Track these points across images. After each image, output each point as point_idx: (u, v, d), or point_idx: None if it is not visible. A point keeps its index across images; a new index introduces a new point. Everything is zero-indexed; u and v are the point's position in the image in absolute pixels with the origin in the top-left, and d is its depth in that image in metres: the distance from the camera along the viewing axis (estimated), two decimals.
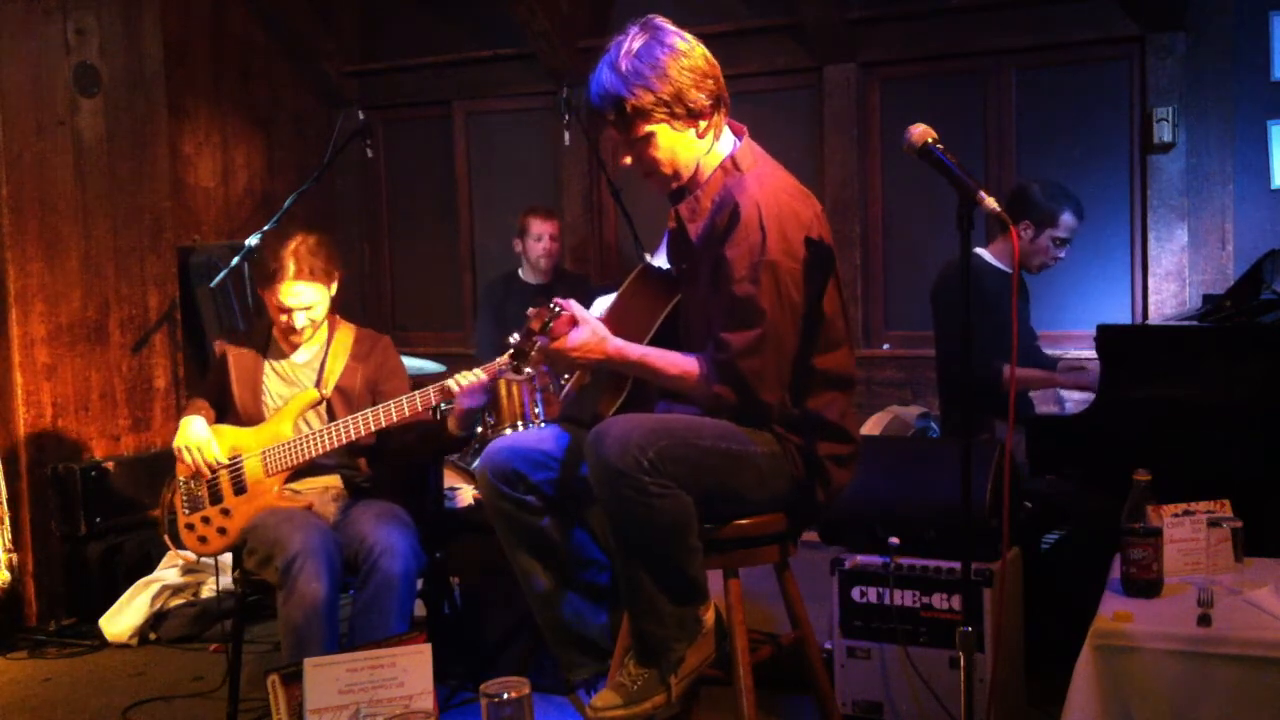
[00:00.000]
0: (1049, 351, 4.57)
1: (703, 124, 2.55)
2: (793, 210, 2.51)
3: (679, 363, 2.55)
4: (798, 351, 2.53)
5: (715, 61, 2.56)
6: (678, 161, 2.58)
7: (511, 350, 2.57)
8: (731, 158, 2.59)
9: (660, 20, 2.56)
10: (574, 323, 2.57)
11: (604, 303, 2.88)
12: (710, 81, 2.53)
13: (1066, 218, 4.03)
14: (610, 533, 2.51)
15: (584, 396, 2.76)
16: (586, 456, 2.46)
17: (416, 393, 3.31)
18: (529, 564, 2.71)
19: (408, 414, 3.31)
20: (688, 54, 2.50)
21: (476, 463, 4.41)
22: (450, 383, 3.29)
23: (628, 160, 2.63)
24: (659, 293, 2.72)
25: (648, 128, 2.53)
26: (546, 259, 5.42)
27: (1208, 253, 5.07)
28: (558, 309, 2.55)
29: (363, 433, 3.33)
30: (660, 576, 2.48)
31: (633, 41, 2.52)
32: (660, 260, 2.83)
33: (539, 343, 2.58)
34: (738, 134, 2.65)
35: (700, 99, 2.51)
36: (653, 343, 2.64)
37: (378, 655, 2.54)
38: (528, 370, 3.00)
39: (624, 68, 2.50)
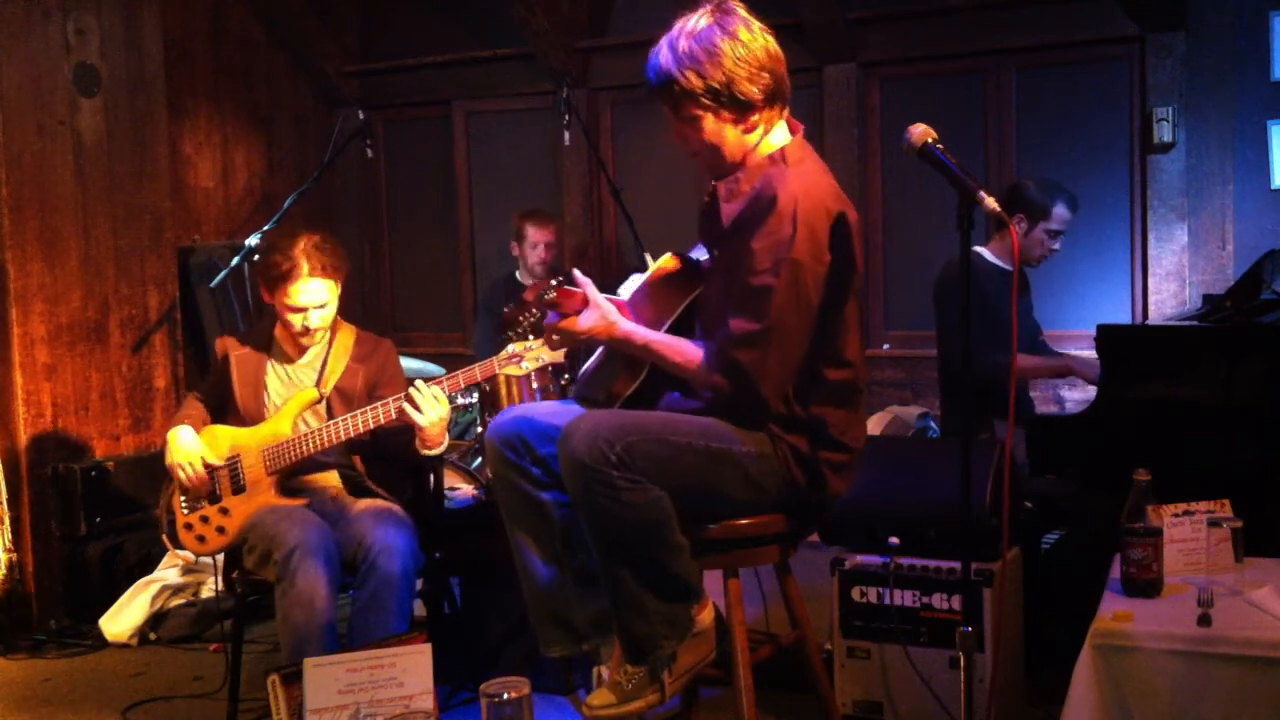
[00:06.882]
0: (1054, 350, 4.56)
1: (752, 118, 2.51)
2: (828, 214, 2.48)
3: (684, 350, 2.54)
4: (806, 356, 2.51)
5: (780, 55, 2.52)
6: (722, 150, 2.55)
7: (503, 320, 2.58)
8: (781, 150, 2.56)
9: (733, 4, 2.51)
10: (585, 303, 2.57)
11: (634, 282, 2.86)
12: (765, 75, 2.48)
13: (1059, 210, 4.04)
14: (586, 530, 2.50)
15: (600, 374, 2.75)
16: (559, 452, 2.46)
17: (403, 394, 3.29)
18: (524, 536, 2.69)
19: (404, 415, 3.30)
20: (748, 44, 2.46)
21: (477, 463, 4.42)
22: (406, 406, 3.22)
23: (677, 139, 2.60)
24: (683, 282, 2.71)
25: (694, 111, 2.50)
26: (541, 266, 5.42)
27: (1208, 253, 5.07)
28: (556, 283, 2.55)
29: (361, 430, 3.32)
30: (642, 573, 2.47)
31: (697, 21, 2.48)
32: (695, 252, 2.81)
33: (548, 319, 2.57)
34: (793, 131, 2.63)
35: (752, 91, 2.47)
36: (670, 330, 2.63)
37: (378, 655, 2.54)
38: (522, 359, 3.00)
39: (681, 47, 2.47)
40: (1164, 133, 5.04)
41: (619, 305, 2.62)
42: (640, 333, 2.57)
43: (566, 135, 5.87)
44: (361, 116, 6.44)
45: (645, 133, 6.20)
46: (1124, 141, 5.24)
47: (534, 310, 2.63)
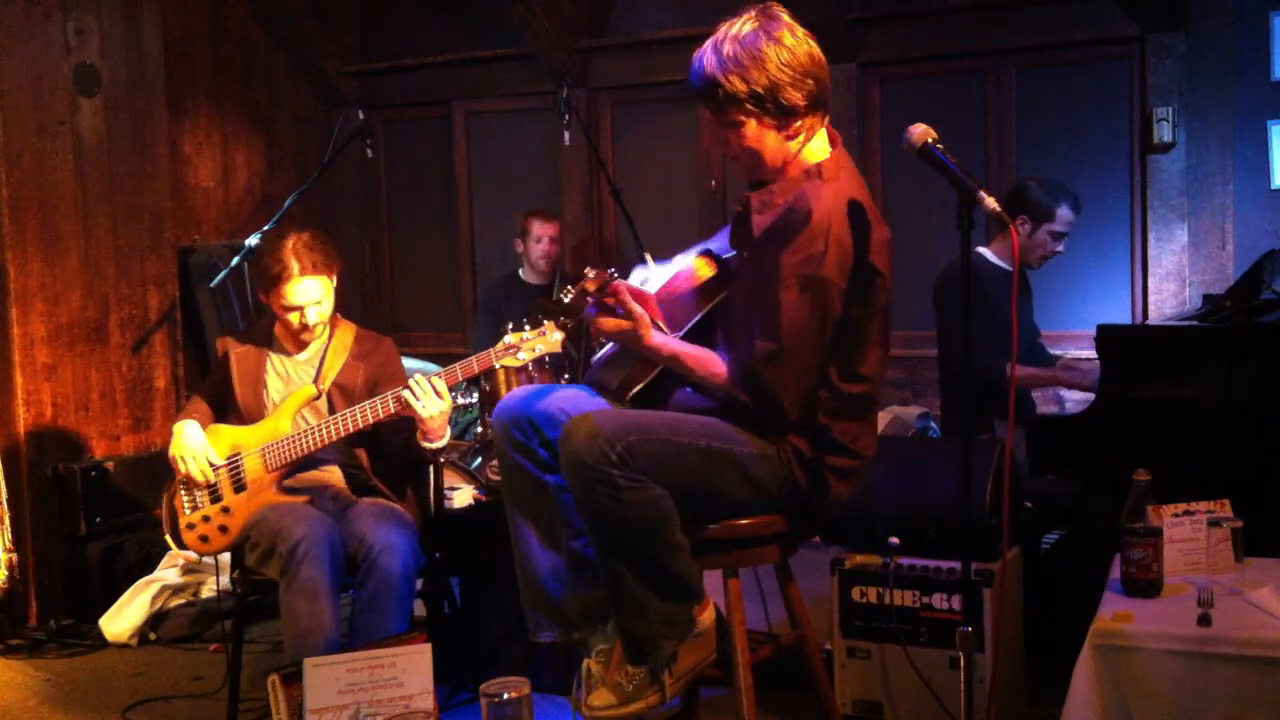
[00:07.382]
0: (1050, 351, 4.57)
1: (795, 124, 2.50)
2: (858, 232, 2.47)
3: (707, 365, 2.53)
4: (826, 368, 2.50)
5: (823, 61, 2.51)
6: (762, 156, 2.54)
7: (564, 305, 2.55)
8: (819, 164, 2.54)
9: (777, 9, 2.51)
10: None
11: (640, 273, 2.85)
12: (810, 81, 2.47)
13: (1063, 211, 4.04)
14: (588, 529, 2.50)
15: (617, 360, 2.73)
16: (560, 452, 2.46)
17: (403, 386, 3.29)
18: (524, 517, 2.69)
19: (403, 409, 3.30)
20: (793, 50, 2.45)
21: (477, 463, 4.42)
22: (407, 395, 3.24)
23: (716, 142, 2.61)
24: (715, 286, 2.69)
25: (737, 116, 2.50)
26: (546, 261, 5.56)
27: (1208, 253, 5.07)
28: (612, 272, 2.54)
29: (361, 425, 3.32)
30: (642, 572, 2.47)
31: (742, 26, 2.48)
32: (716, 243, 2.80)
33: (588, 311, 2.55)
34: (833, 141, 2.61)
35: (795, 97, 2.46)
36: (693, 330, 2.63)
37: (378, 655, 2.54)
38: (519, 349, 2.98)
39: (725, 51, 2.46)
40: (1164, 133, 5.04)
41: (647, 300, 2.60)
42: (669, 344, 2.56)
43: (566, 135, 5.88)
44: (361, 116, 6.44)
45: (645, 133, 6.21)
46: (1124, 141, 5.24)
47: (591, 299, 2.57)
